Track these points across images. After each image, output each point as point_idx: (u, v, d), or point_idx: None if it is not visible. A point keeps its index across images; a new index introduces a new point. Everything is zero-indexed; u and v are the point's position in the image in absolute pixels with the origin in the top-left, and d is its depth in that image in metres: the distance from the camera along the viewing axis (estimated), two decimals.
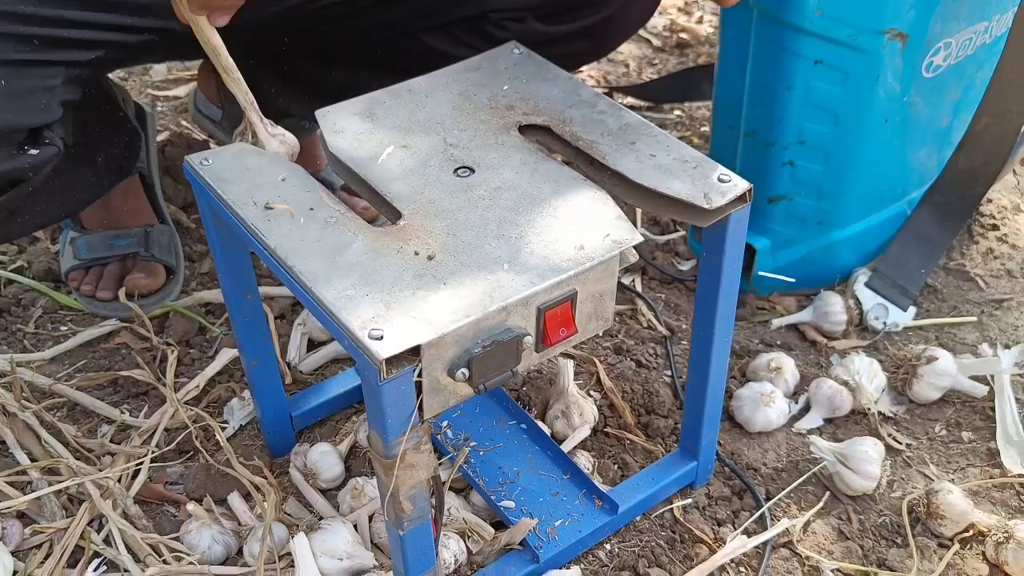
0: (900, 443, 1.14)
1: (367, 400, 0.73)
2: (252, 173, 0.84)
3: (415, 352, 0.70)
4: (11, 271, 1.35)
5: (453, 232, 0.79)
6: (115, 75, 1.77)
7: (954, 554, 1.02)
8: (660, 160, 0.86)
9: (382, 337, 0.69)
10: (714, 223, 0.84)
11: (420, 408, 0.73)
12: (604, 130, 0.89)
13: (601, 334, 1.27)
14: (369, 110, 0.92)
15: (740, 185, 0.83)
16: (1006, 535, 1.00)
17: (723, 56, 1.22)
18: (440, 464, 1.07)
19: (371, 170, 0.85)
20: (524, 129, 0.91)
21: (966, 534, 1.03)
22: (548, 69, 0.97)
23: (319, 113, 0.91)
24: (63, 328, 1.29)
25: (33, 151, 0.89)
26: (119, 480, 1.05)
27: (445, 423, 1.10)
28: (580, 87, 0.95)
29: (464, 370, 0.72)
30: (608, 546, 1.02)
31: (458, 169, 0.85)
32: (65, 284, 1.32)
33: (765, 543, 1.02)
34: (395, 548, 0.83)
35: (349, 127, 0.90)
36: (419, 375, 0.71)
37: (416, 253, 0.76)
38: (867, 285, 1.30)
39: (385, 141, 0.88)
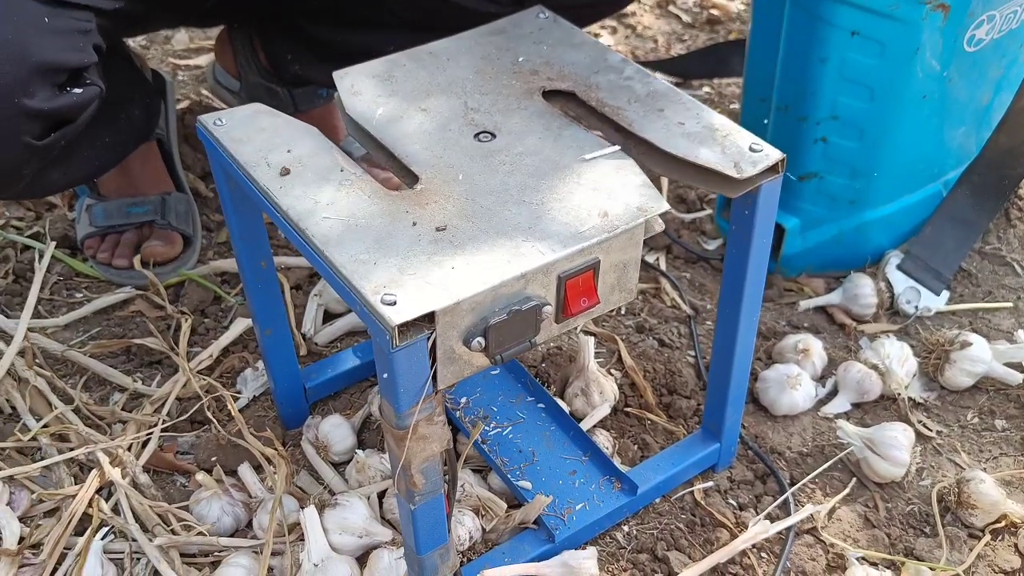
0: (931, 430, 1.10)
1: (379, 368, 0.70)
2: (266, 134, 0.82)
3: (429, 319, 0.67)
4: (28, 237, 1.34)
5: (472, 197, 0.76)
6: (136, 43, 1.75)
7: (985, 545, 0.98)
8: (689, 128, 0.82)
9: (395, 302, 0.66)
10: (744, 194, 0.80)
11: (434, 378, 0.70)
12: (631, 96, 0.86)
13: (624, 311, 1.24)
14: (388, 72, 0.89)
15: (772, 155, 0.80)
16: None
17: (755, 25, 1.18)
18: (458, 443, 1.05)
19: (388, 133, 0.82)
20: (548, 95, 0.87)
21: (998, 525, 0.99)
22: (574, 34, 0.94)
23: (337, 75, 0.88)
24: (78, 295, 1.27)
25: (77, 90, 0.89)
26: (129, 448, 1.04)
27: (464, 400, 1.07)
28: (607, 53, 0.91)
29: (480, 339, 0.69)
30: (626, 528, 0.99)
31: (479, 134, 0.82)
32: (81, 251, 1.30)
33: (788, 529, 0.99)
34: (406, 522, 0.81)
35: (367, 89, 0.87)
36: (433, 343, 0.68)
37: (432, 218, 0.74)
38: (899, 268, 1.26)
39: (404, 104, 0.85)
